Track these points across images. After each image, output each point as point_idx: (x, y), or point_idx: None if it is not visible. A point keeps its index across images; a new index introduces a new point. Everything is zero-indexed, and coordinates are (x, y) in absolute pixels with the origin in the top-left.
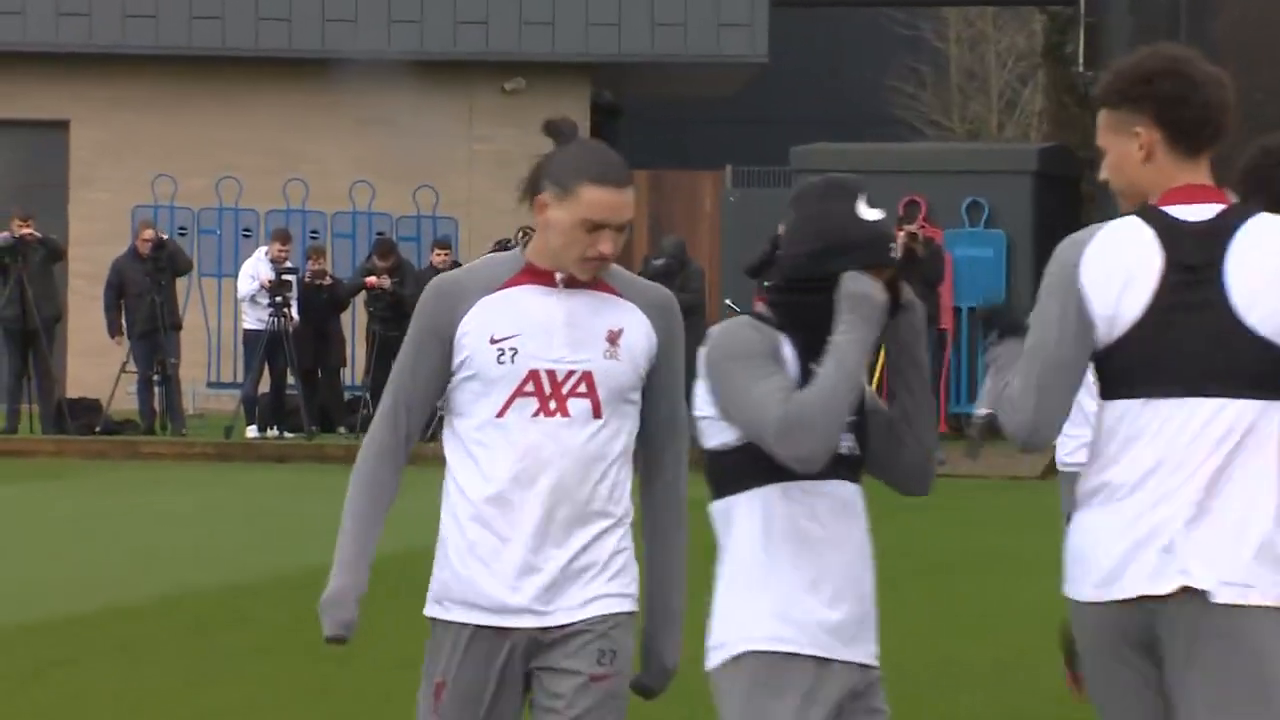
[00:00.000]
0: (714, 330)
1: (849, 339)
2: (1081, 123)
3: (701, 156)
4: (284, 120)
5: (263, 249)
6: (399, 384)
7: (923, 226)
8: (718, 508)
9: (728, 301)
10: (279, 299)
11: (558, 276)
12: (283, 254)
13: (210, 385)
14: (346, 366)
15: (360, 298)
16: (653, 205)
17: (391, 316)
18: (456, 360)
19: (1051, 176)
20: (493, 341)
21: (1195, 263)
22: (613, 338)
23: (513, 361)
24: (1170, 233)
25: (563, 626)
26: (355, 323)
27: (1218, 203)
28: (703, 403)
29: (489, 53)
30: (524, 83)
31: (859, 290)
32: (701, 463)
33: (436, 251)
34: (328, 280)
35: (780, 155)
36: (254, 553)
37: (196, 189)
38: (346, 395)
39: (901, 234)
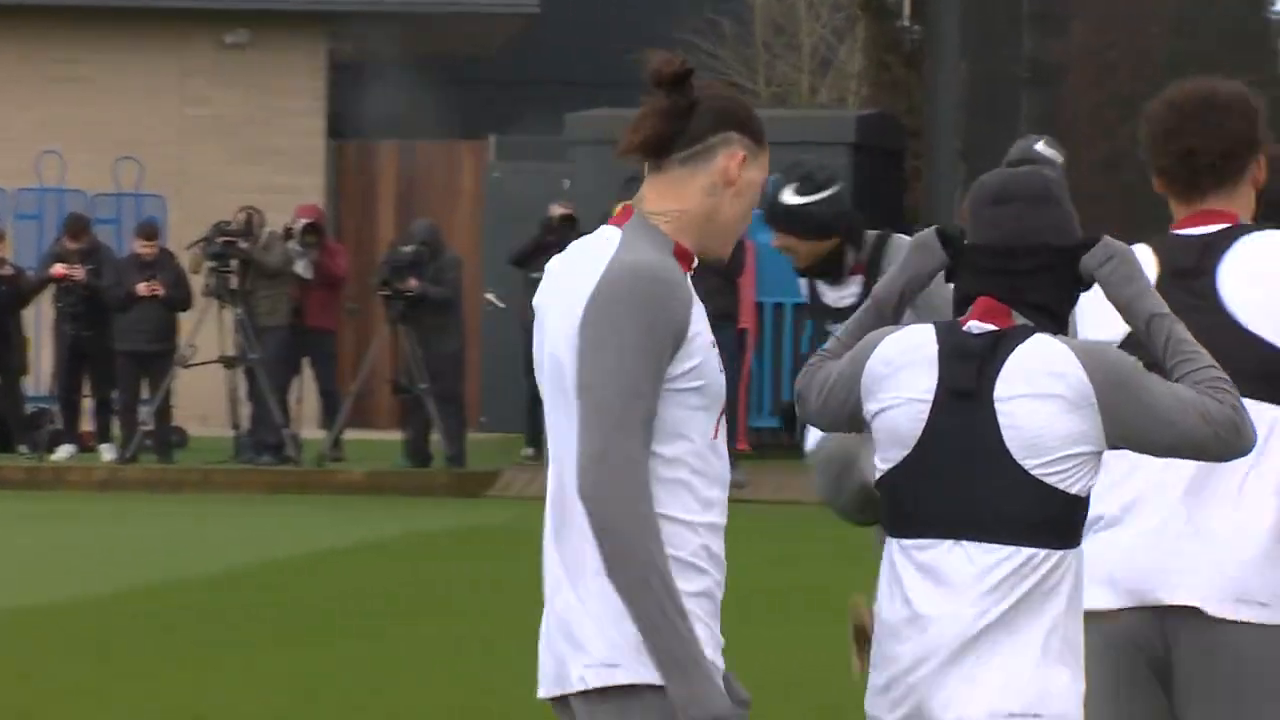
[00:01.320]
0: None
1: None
2: (906, 85)
3: (460, 124)
4: None
5: None
6: (638, 392)
7: None
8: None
9: (489, 296)
10: None
11: (695, 261)
12: None
13: None
14: (29, 374)
15: (48, 291)
16: (402, 182)
17: (85, 313)
18: (685, 366)
19: (871, 148)
20: (713, 345)
21: (1188, 267)
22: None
23: (721, 371)
24: (1167, 246)
25: None
26: (40, 321)
27: (1227, 222)
28: (1065, 439)
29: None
30: (247, 35)
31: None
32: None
33: (140, 242)
34: (7, 270)
35: (553, 123)
36: None
37: None
38: (29, 407)
39: None
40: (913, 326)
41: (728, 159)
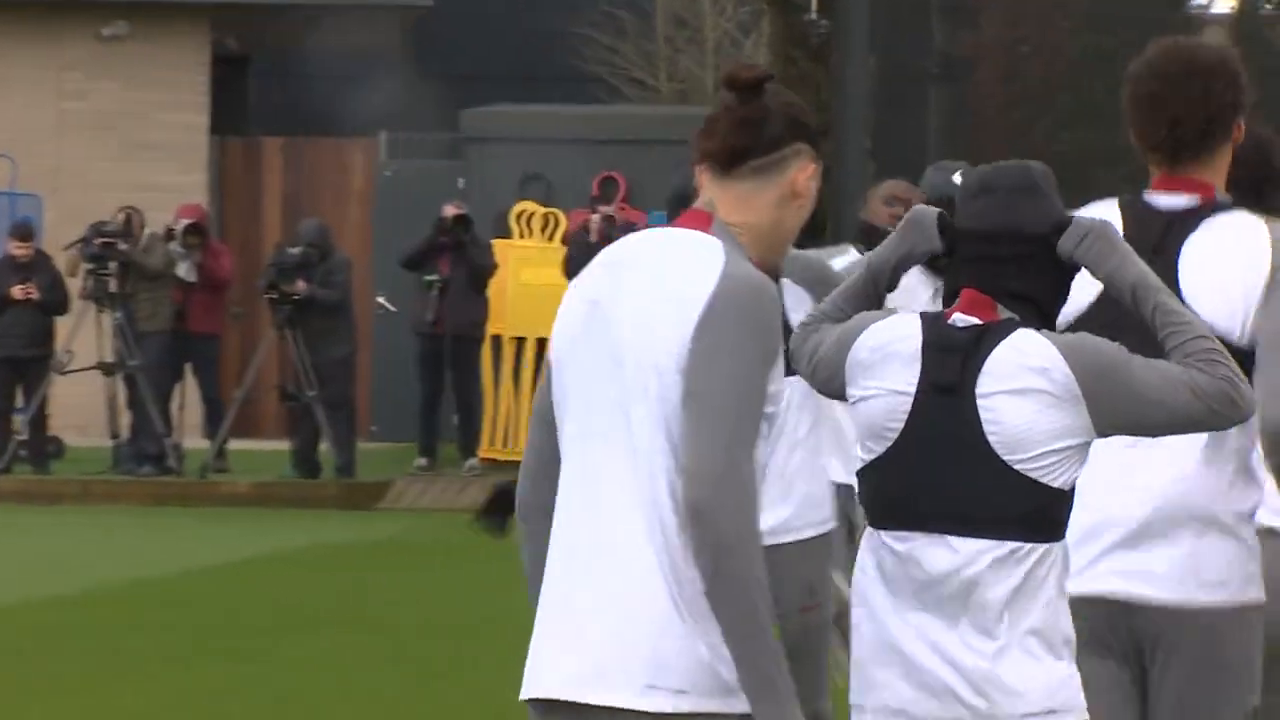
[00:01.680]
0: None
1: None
2: (814, 80)
3: (350, 120)
4: None
5: None
6: (755, 406)
7: (622, 208)
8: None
9: (380, 299)
10: None
11: None
12: None
13: None
14: None
15: None
16: (289, 181)
17: None
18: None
19: None
20: None
21: (1152, 244)
22: None
23: None
24: (1136, 214)
25: None
26: None
27: (1200, 194)
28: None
29: None
30: (126, 27)
31: None
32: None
33: (14, 243)
34: None
35: (448, 119)
36: None
37: None
38: None
39: (595, 217)
40: (898, 315)
41: (799, 171)
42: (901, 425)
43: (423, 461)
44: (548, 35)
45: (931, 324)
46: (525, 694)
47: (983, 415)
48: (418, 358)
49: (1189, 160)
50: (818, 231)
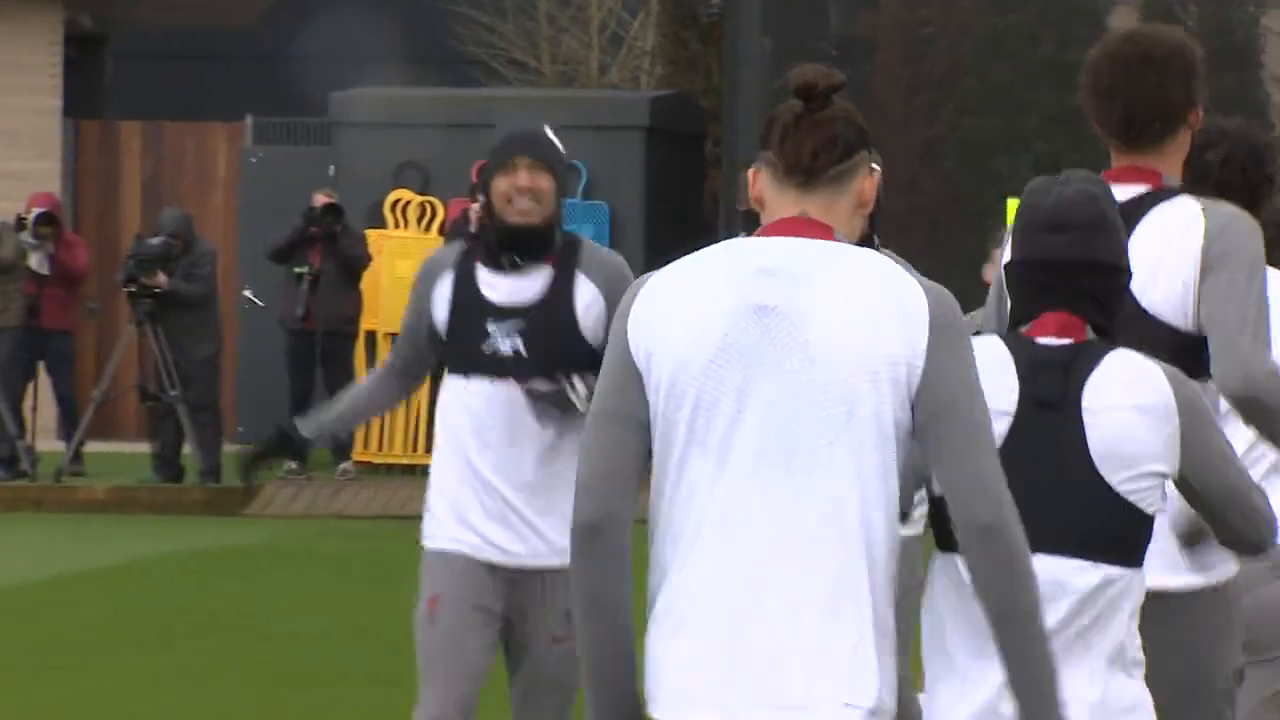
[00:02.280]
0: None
1: None
2: (705, 63)
3: (214, 103)
4: None
5: None
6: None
7: None
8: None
9: (247, 293)
10: None
11: None
12: None
13: None
14: None
15: None
16: (149, 167)
17: None
18: None
19: (667, 132)
20: None
21: None
22: None
23: None
24: None
25: None
26: None
27: (1149, 184)
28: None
29: None
30: None
31: None
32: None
33: None
34: None
35: (317, 103)
36: None
37: None
38: None
39: (475, 206)
40: (980, 338)
41: (864, 179)
42: (999, 444)
43: (292, 465)
44: (423, 14)
45: (1017, 344)
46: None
47: (1087, 430)
48: (287, 355)
49: (1145, 148)
50: (707, 226)
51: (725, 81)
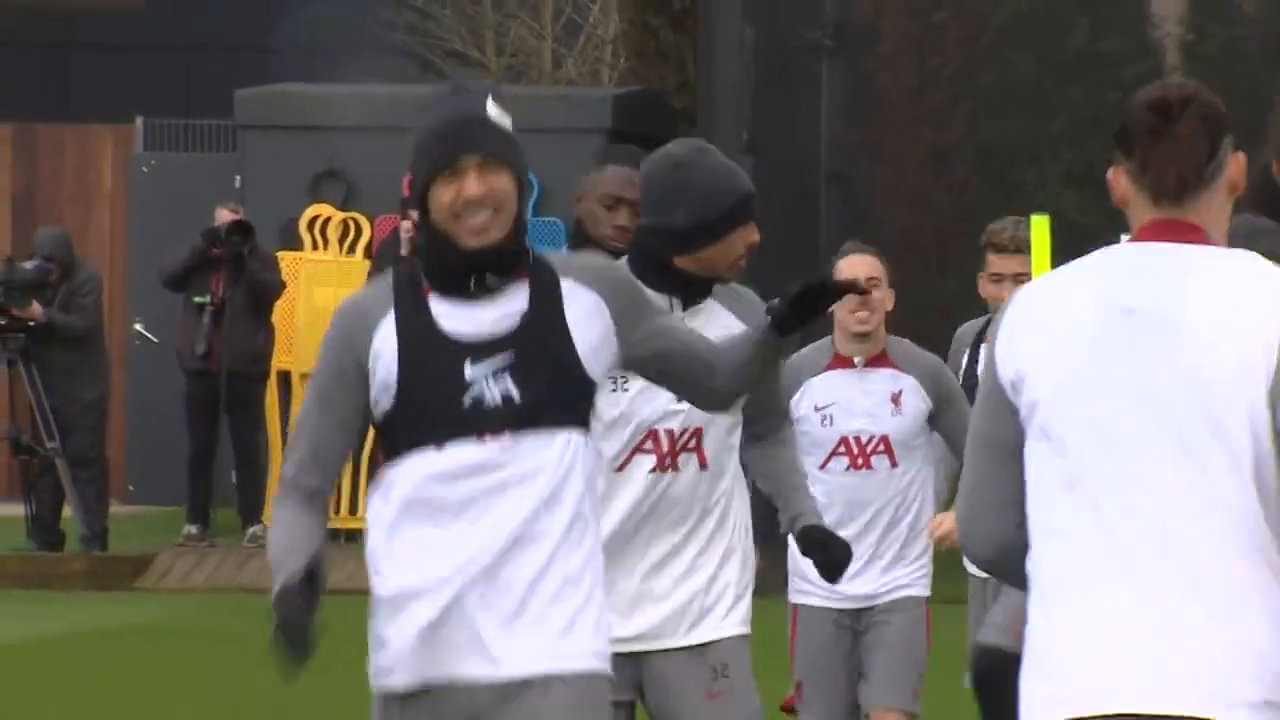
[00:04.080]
0: None
1: None
2: (677, 55)
3: (97, 103)
4: None
5: None
6: None
7: None
8: None
9: (138, 326)
10: None
11: None
12: None
13: None
14: None
15: None
16: (21, 178)
17: None
18: None
19: (633, 135)
20: None
21: None
22: None
23: None
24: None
25: None
26: None
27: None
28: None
29: None
30: None
31: None
32: None
33: None
34: None
35: (218, 103)
36: None
37: None
38: None
39: (407, 224)
40: None
41: (1232, 168)
42: None
43: (192, 529)
44: None
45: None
46: (1102, 709)
47: None
48: (186, 400)
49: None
50: None
51: (699, 77)
